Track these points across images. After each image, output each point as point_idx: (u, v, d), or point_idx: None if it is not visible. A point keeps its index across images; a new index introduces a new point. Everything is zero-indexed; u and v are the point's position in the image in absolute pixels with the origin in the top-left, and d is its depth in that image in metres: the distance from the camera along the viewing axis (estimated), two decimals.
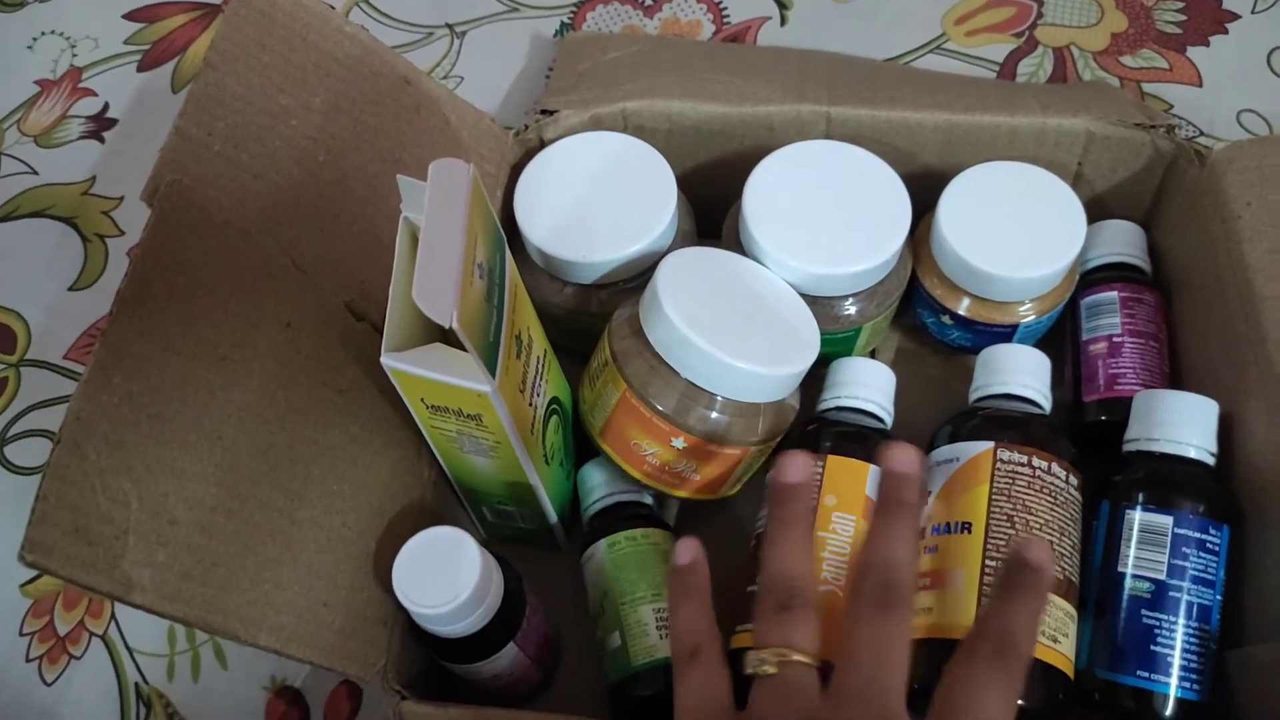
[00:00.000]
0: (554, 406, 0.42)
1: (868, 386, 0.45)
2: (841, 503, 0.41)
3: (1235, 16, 0.60)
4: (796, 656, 0.29)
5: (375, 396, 0.38)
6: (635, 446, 0.42)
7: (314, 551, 0.35)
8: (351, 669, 0.35)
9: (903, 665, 0.29)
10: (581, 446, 0.47)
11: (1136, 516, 0.39)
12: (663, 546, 0.43)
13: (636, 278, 0.47)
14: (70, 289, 0.59)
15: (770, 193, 0.46)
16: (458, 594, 0.35)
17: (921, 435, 0.44)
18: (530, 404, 0.38)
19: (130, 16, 0.70)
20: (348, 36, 0.44)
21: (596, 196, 0.47)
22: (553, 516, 0.43)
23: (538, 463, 0.39)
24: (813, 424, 0.45)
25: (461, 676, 0.39)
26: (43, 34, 0.70)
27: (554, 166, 0.48)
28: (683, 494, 0.44)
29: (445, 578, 0.35)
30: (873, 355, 0.52)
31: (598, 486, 0.45)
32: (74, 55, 0.69)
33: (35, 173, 0.64)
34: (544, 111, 0.51)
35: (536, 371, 0.38)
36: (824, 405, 0.46)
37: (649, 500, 0.45)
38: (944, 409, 0.46)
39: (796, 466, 0.33)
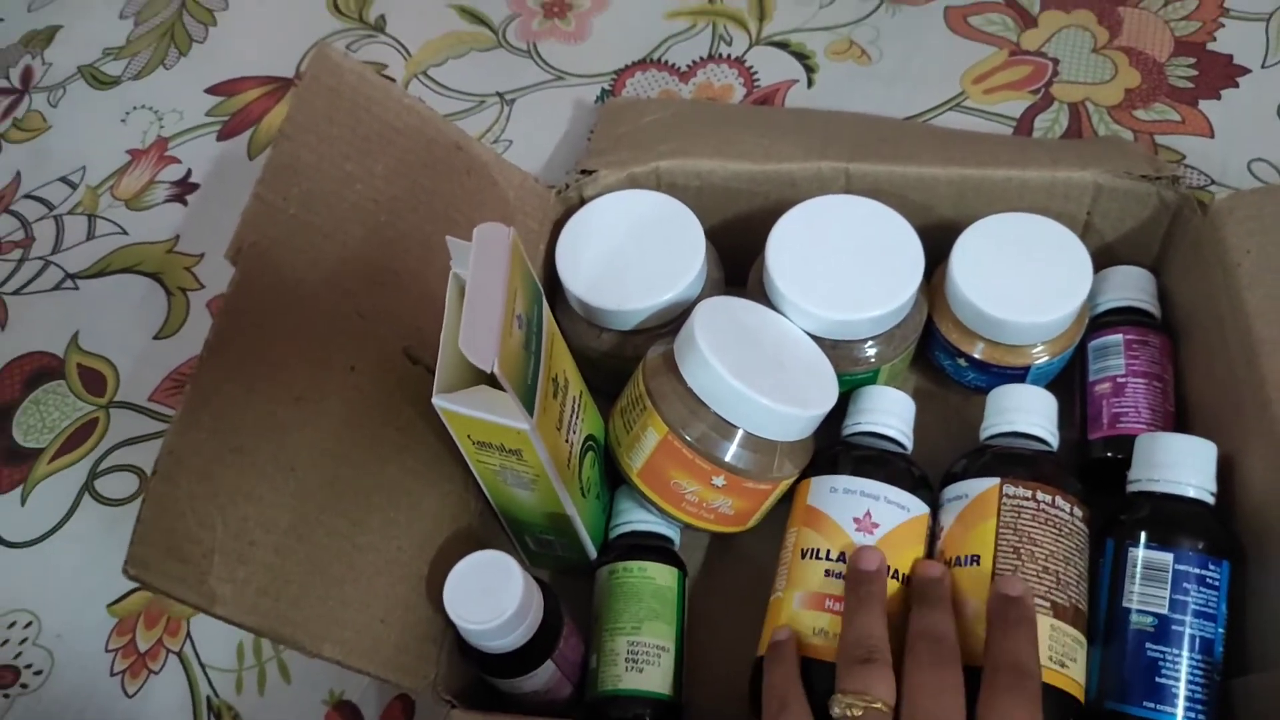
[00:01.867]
0: (590, 443, 0.45)
1: (888, 413, 0.48)
2: None
3: (1245, 71, 0.62)
4: (877, 704, 0.36)
5: (429, 435, 0.42)
6: (675, 485, 0.45)
7: (373, 573, 0.39)
8: (405, 681, 0.39)
9: (958, 706, 0.36)
10: (615, 479, 0.50)
11: (1139, 554, 0.41)
12: (657, 581, 0.46)
13: (668, 324, 0.51)
14: (155, 337, 0.65)
15: (792, 244, 0.50)
16: (503, 611, 0.38)
17: (937, 470, 0.47)
18: (567, 440, 0.41)
19: (211, 91, 0.77)
20: (406, 108, 0.48)
21: (631, 250, 0.51)
22: (589, 544, 0.47)
23: (574, 495, 0.43)
24: (836, 447, 0.48)
25: (504, 692, 0.42)
26: (135, 108, 0.77)
27: (592, 222, 0.53)
28: (714, 528, 0.47)
29: (492, 597, 0.38)
30: None
31: (622, 511, 0.48)
32: (161, 126, 0.75)
33: (125, 233, 0.70)
34: (584, 171, 0.56)
35: (573, 411, 0.42)
36: (846, 430, 0.49)
37: (668, 532, 0.48)
38: (960, 445, 0.49)
39: (873, 558, 0.42)
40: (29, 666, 0.53)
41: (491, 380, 0.34)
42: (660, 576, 0.46)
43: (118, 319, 0.66)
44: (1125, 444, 0.46)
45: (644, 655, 0.44)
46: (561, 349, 0.41)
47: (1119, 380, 0.48)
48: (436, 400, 0.37)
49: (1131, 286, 0.51)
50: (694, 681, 0.47)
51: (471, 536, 0.44)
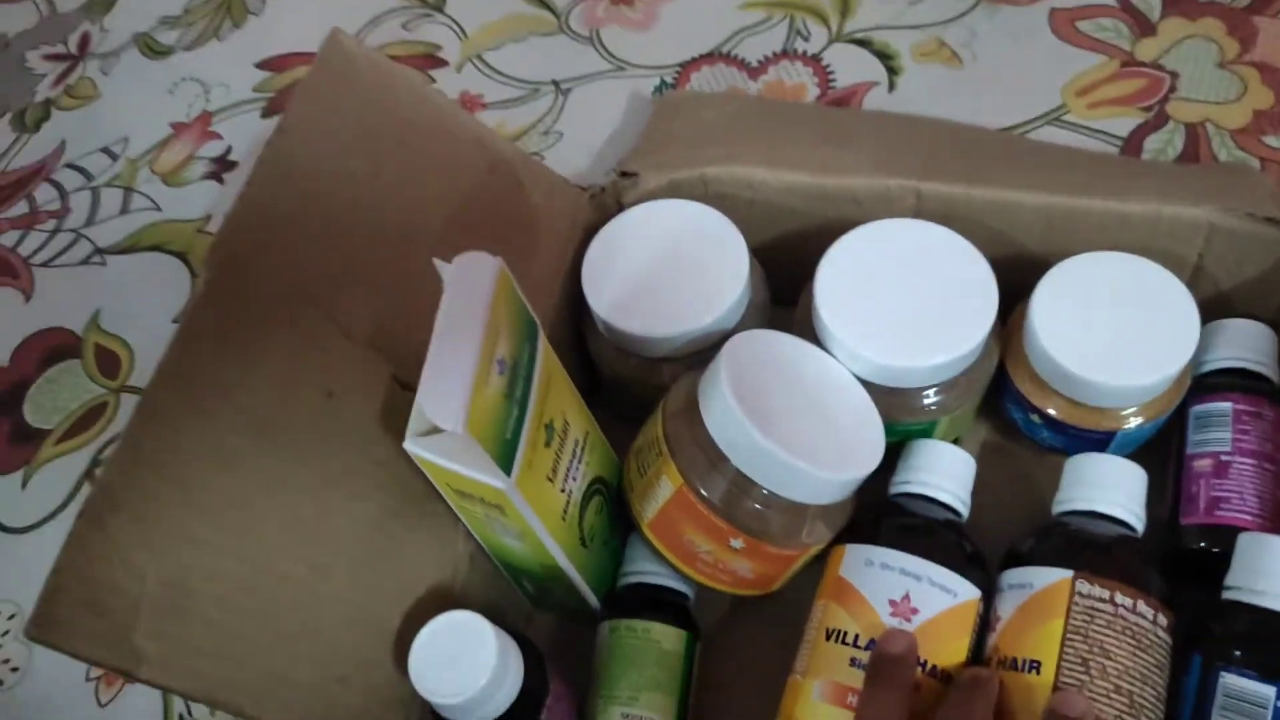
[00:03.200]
0: (597, 487, 0.40)
1: (944, 474, 0.42)
2: None
3: None
4: None
5: (414, 469, 0.38)
6: (689, 543, 0.40)
7: (334, 626, 0.35)
8: None
9: None
10: (628, 521, 0.45)
11: (1230, 681, 0.34)
12: (663, 645, 0.40)
13: (703, 353, 0.45)
14: (175, 320, 0.62)
15: (845, 274, 0.44)
16: (473, 683, 0.34)
17: (998, 539, 0.41)
18: (563, 490, 0.36)
19: (261, 66, 0.74)
20: (423, 99, 0.44)
21: (665, 268, 0.46)
22: (589, 596, 0.42)
23: (570, 548, 0.38)
24: (878, 510, 0.42)
25: None
26: (183, 79, 0.74)
27: (625, 235, 0.47)
28: (730, 590, 0.42)
29: (461, 666, 0.34)
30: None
31: (633, 560, 0.43)
32: (207, 100, 0.73)
33: (159, 209, 0.68)
34: (624, 174, 0.50)
35: (574, 456, 0.37)
36: (894, 490, 0.43)
37: (682, 587, 0.43)
38: (1028, 514, 0.42)
39: (901, 641, 0.37)
40: (6, 661, 0.51)
41: None
42: (666, 640, 0.41)
43: (141, 299, 0.64)
44: (1225, 536, 0.39)
45: None
46: (561, 388, 0.36)
47: (1223, 458, 0.41)
48: (408, 445, 0.32)
49: (1246, 345, 0.44)
50: None
51: (456, 584, 0.40)
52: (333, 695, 0.34)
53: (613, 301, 0.45)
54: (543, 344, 0.34)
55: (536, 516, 0.34)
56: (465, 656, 0.34)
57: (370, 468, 0.37)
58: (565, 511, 0.37)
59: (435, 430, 0.32)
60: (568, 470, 0.37)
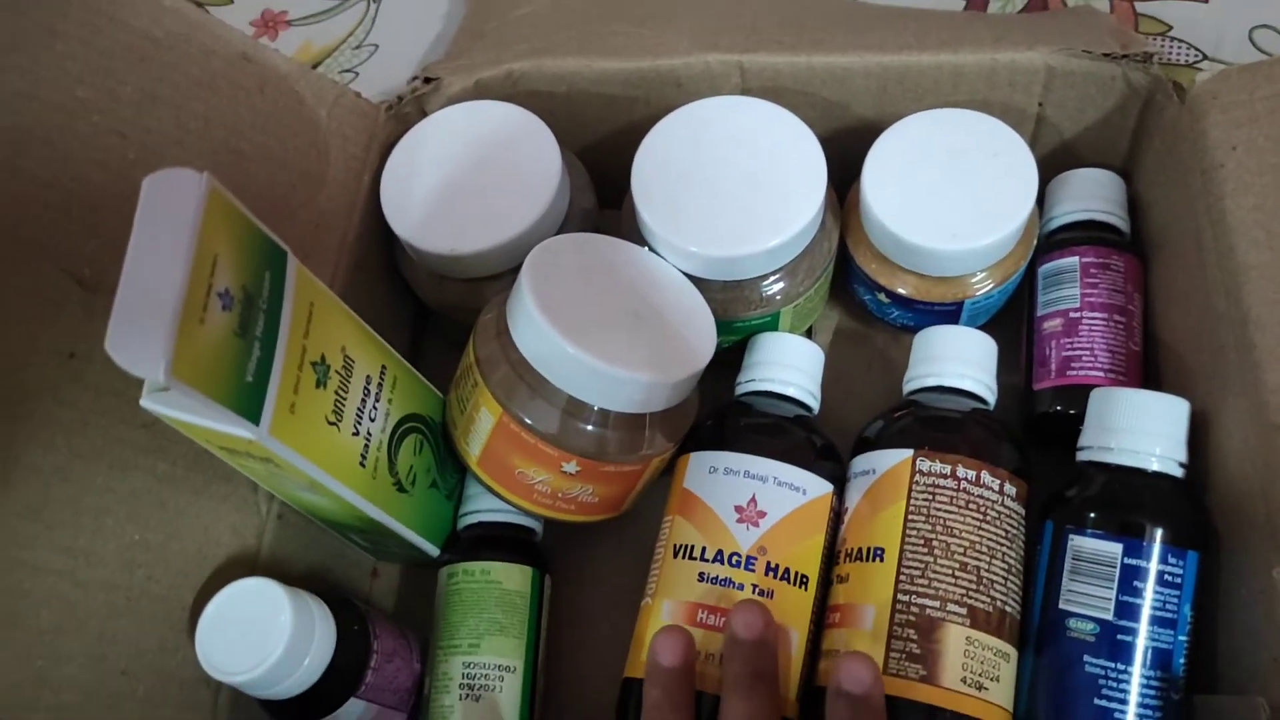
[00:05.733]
0: (411, 425, 0.37)
1: (789, 366, 0.39)
2: None
3: None
4: None
5: None
6: (521, 475, 0.37)
7: (107, 616, 0.31)
8: None
9: None
10: None
11: (1080, 544, 0.32)
12: (504, 585, 0.38)
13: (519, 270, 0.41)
14: None
15: (663, 164, 0.40)
16: (267, 655, 0.30)
17: (856, 429, 0.38)
18: (356, 432, 0.33)
19: None
20: (168, 11, 0.38)
21: (472, 178, 0.41)
22: (424, 544, 0.38)
23: (381, 496, 0.34)
24: (721, 413, 0.39)
25: None
26: None
27: (425, 146, 0.43)
28: (576, 519, 0.39)
29: (254, 637, 0.31)
30: (808, 336, 0.45)
31: (470, 498, 0.40)
32: None
33: None
34: (426, 79, 0.46)
35: (366, 394, 0.33)
36: (739, 390, 0.40)
37: (526, 521, 0.40)
38: (888, 397, 0.40)
39: (755, 620, 0.32)
40: None
41: None
42: (509, 579, 0.38)
43: None
44: (1077, 395, 0.37)
45: (483, 680, 0.36)
46: (335, 320, 0.32)
47: (1073, 315, 0.39)
48: (145, 402, 0.28)
49: (1092, 195, 0.41)
50: (554, 705, 0.39)
51: (264, 549, 0.36)
52: (116, 690, 0.31)
53: (416, 221, 0.41)
54: (295, 271, 0.29)
55: (317, 466, 0.30)
56: (258, 627, 0.31)
57: (135, 433, 0.33)
58: (364, 456, 0.33)
59: None
60: (359, 411, 0.33)
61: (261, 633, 0.30)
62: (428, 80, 0.46)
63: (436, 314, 0.46)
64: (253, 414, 0.27)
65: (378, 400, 0.34)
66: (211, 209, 0.26)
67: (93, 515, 0.31)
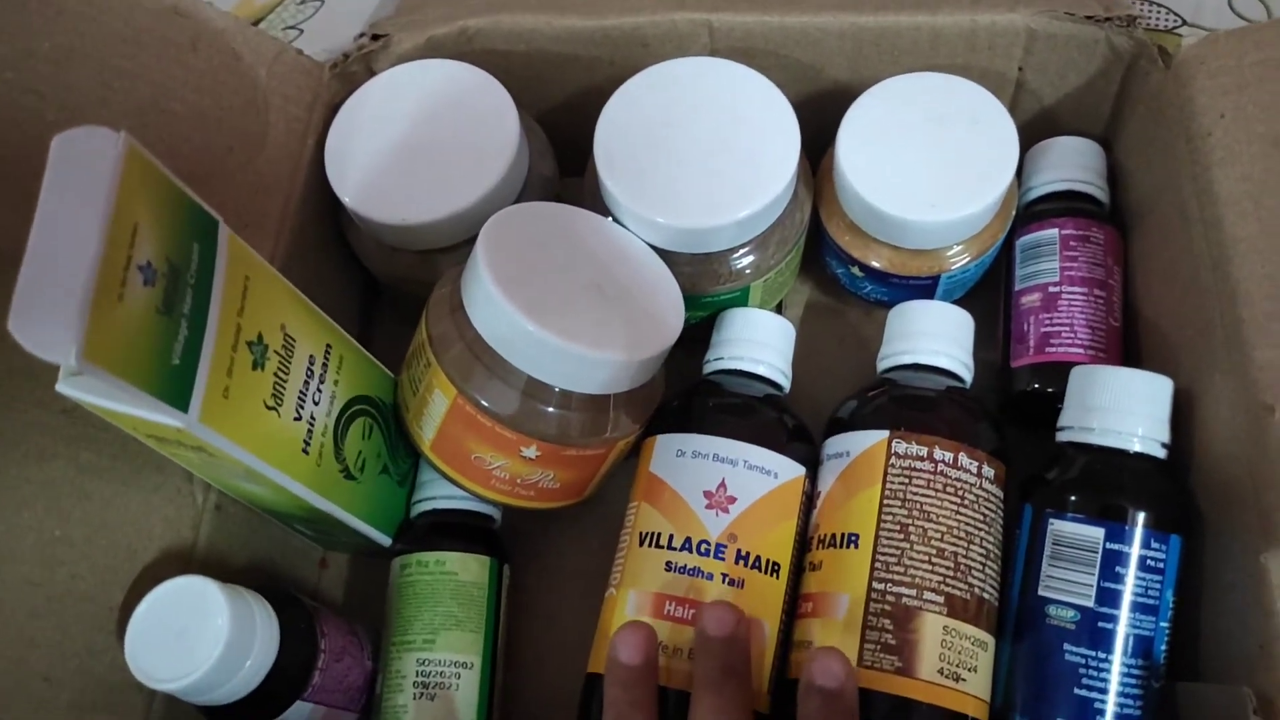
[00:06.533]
0: (360, 408, 0.34)
1: (758, 344, 0.38)
2: None
3: None
4: None
5: None
6: (477, 460, 0.35)
7: (25, 617, 0.29)
8: None
9: None
10: None
11: (1060, 528, 0.31)
12: (460, 577, 0.36)
13: (473, 241, 0.39)
14: None
15: (628, 129, 0.38)
16: (202, 660, 0.28)
17: (831, 407, 0.37)
18: (298, 417, 0.30)
19: None
20: None
21: (422, 143, 0.39)
22: (374, 534, 0.36)
23: (326, 485, 0.32)
24: (688, 393, 0.37)
25: None
26: None
27: (373, 108, 0.40)
28: (536, 506, 0.37)
29: (188, 641, 0.28)
30: (778, 311, 0.44)
31: (424, 484, 0.38)
32: None
33: None
34: (374, 36, 0.43)
35: (309, 375, 0.31)
36: (706, 369, 0.39)
37: (483, 509, 0.38)
38: (862, 375, 0.38)
39: (725, 619, 0.30)
40: None
41: None
42: (465, 570, 0.36)
43: None
44: (1057, 373, 0.36)
45: (438, 677, 0.34)
46: (274, 296, 0.29)
47: (1052, 289, 0.38)
48: (61, 387, 0.25)
49: (1072, 164, 0.40)
50: (514, 703, 0.37)
51: (200, 541, 0.33)
52: (37, 695, 0.28)
53: (364, 187, 0.38)
54: (227, 242, 0.27)
55: (255, 455, 0.28)
56: (192, 630, 0.28)
57: (55, 419, 0.30)
58: (307, 442, 0.31)
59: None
60: (302, 393, 0.31)
61: (196, 636, 0.28)
62: (376, 37, 0.43)
63: (387, 288, 0.43)
64: (180, 400, 0.24)
65: (322, 382, 0.32)
66: (130, 172, 0.23)
67: (9, 510, 0.29)
